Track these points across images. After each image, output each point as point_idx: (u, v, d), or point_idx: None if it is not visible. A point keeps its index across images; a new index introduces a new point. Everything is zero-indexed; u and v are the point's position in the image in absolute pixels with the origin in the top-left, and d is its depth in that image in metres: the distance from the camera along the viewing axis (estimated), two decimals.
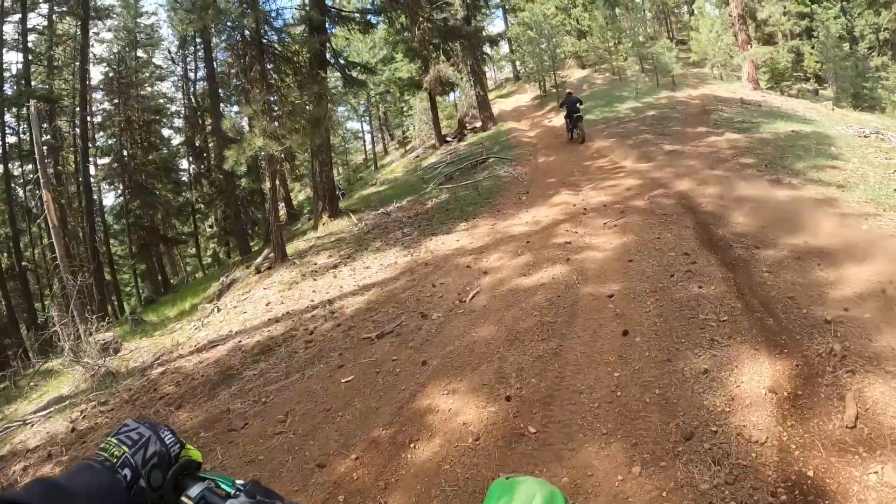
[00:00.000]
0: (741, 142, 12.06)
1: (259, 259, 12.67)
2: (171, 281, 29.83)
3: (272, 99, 10.67)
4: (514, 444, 3.40)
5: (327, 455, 3.82)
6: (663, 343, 4.21)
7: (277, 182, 27.12)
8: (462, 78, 23.14)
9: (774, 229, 6.22)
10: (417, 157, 24.37)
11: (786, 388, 3.35)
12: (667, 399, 3.47)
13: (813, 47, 24.63)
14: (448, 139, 23.49)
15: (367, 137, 37.87)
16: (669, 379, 3.71)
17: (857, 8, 27.88)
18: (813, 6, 25.72)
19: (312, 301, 8.02)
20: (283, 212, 29.10)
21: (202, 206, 27.54)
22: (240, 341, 7.33)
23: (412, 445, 3.65)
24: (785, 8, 24.63)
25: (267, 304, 8.82)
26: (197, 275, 28.05)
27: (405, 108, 29.03)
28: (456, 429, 3.70)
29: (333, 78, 19.72)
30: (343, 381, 4.97)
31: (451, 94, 27.07)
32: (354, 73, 15.60)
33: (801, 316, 4.16)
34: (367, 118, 35.27)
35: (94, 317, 9.03)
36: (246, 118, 11.13)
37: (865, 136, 12.66)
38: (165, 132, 29.87)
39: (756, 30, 25.17)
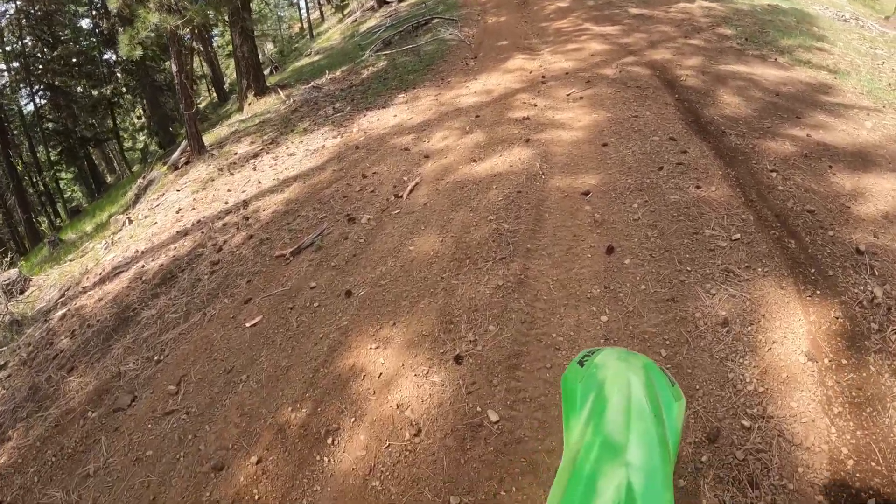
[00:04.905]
0: (717, 10, 10.66)
1: (175, 154, 10.90)
2: (108, 180, 27.29)
3: None
4: (468, 443, 2.45)
5: (225, 449, 2.85)
6: (663, 270, 3.22)
7: (202, 62, 24.11)
8: None
9: (770, 115, 5.25)
10: (355, 21, 21.70)
11: (827, 352, 2.49)
12: (679, 368, 2.53)
13: None
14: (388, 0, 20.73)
15: (302, 3, 33.71)
16: (678, 333, 2.76)
17: None
18: None
19: (226, 203, 6.70)
20: (212, 95, 26.05)
21: (120, 98, 24.26)
22: (143, 266, 6.11)
23: (330, 441, 2.67)
24: None
25: (178, 212, 7.46)
26: (128, 172, 25.49)
27: None
28: (389, 414, 2.72)
29: None
30: (248, 324, 3.89)
31: None
32: None
33: (828, 240, 3.24)
34: None
35: None
36: None
37: (845, 21, 11.62)
38: (85, 23, 25.44)
39: None
